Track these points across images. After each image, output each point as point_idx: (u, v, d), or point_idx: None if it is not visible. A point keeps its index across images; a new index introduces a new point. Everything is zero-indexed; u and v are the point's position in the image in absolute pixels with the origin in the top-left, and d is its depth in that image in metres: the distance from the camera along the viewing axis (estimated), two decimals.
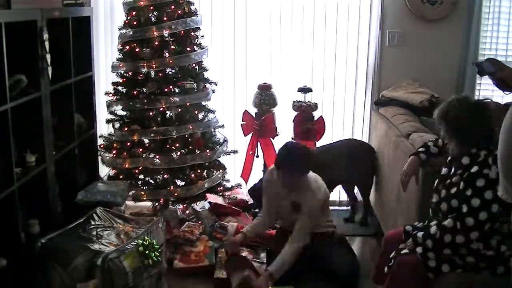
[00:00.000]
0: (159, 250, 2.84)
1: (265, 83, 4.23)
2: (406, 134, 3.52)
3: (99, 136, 3.99)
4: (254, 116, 4.20)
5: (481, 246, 2.44)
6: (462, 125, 2.50)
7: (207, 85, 3.96)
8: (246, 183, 4.40)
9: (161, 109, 3.75)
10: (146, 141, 3.82)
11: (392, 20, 4.41)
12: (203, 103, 3.93)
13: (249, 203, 4.26)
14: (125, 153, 3.80)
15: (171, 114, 3.81)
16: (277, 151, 3.27)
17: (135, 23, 3.72)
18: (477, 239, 2.41)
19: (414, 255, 2.54)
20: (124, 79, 3.82)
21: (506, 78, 2.46)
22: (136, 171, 3.83)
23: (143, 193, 3.81)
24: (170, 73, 3.81)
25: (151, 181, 3.90)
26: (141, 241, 2.74)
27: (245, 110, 4.26)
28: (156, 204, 3.89)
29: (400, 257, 2.60)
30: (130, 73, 3.79)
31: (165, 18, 3.70)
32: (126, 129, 3.78)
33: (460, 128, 2.51)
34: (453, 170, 2.58)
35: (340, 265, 3.15)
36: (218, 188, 4.02)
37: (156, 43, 3.71)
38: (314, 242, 3.19)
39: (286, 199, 3.22)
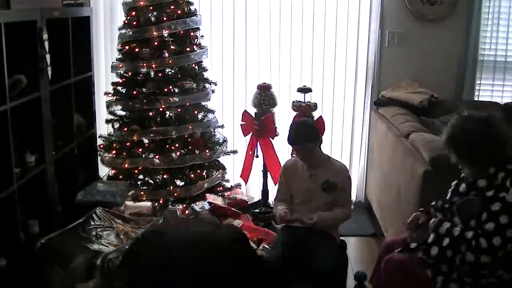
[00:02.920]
0: None
1: (265, 83, 4.23)
2: (405, 134, 3.52)
3: (99, 136, 3.99)
4: (254, 116, 4.20)
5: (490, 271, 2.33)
6: (471, 148, 2.36)
7: (207, 85, 3.96)
8: (245, 183, 4.40)
9: (161, 109, 3.75)
10: (146, 141, 3.82)
11: (392, 20, 4.41)
12: (203, 103, 3.93)
13: (248, 203, 4.27)
14: (124, 153, 3.80)
15: (170, 114, 3.81)
16: (288, 132, 3.32)
17: (134, 23, 3.72)
18: (488, 264, 2.28)
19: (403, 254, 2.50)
20: (124, 79, 3.82)
21: None
22: (136, 171, 3.83)
23: (142, 193, 3.81)
24: (169, 73, 3.81)
25: (150, 181, 3.90)
26: None
27: (245, 110, 4.26)
28: (156, 204, 3.89)
29: (389, 256, 2.56)
30: (129, 73, 3.79)
31: (165, 18, 3.69)
32: (125, 129, 3.78)
33: (470, 151, 2.37)
34: (464, 189, 2.46)
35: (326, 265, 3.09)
36: (218, 188, 4.02)
37: (156, 43, 3.71)
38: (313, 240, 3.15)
39: (314, 181, 3.21)
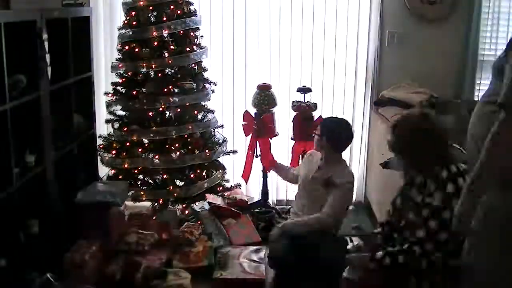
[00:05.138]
0: None
1: (265, 83, 4.24)
2: None
3: (99, 136, 3.99)
4: (254, 116, 4.20)
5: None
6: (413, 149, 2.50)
7: (207, 85, 3.96)
8: (246, 183, 4.40)
9: (161, 109, 3.75)
10: (146, 141, 3.82)
11: (392, 20, 4.41)
12: (203, 103, 3.93)
13: (248, 203, 4.27)
14: (124, 153, 3.80)
15: (170, 114, 3.81)
16: (326, 125, 3.56)
17: (134, 23, 3.72)
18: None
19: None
20: (124, 79, 3.82)
21: None
22: (136, 171, 3.83)
23: (142, 193, 3.81)
24: (169, 73, 3.81)
25: (150, 181, 3.90)
26: None
27: (246, 110, 4.26)
28: (156, 204, 3.89)
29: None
30: (129, 73, 3.79)
31: (165, 18, 3.70)
32: (125, 129, 3.78)
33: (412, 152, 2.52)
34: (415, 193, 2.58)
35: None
36: (218, 188, 4.02)
37: (156, 43, 3.71)
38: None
39: (320, 174, 3.47)
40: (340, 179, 3.38)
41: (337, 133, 3.50)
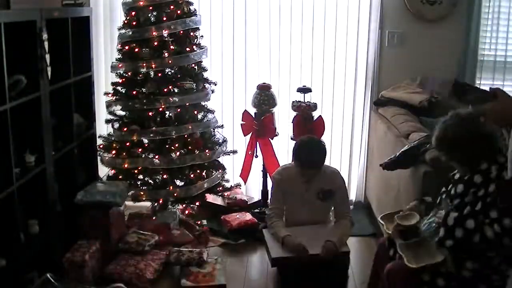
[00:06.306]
0: None
1: (265, 83, 4.23)
2: (405, 134, 3.52)
3: (99, 136, 3.99)
4: (254, 116, 4.20)
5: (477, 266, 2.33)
6: (459, 148, 2.38)
7: (207, 85, 3.96)
8: (245, 183, 4.40)
9: (160, 109, 3.75)
10: (145, 141, 3.82)
11: (392, 20, 4.40)
12: (203, 103, 3.93)
13: (248, 203, 4.27)
14: (124, 153, 3.80)
15: (170, 114, 3.82)
16: (296, 150, 3.32)
17: (134, 23, 3.72)
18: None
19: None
20: (124, 79, 3.82)
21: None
22: (136, 171, 3.83)
23: (142, 193, 3.81)
24: (169, 73, 3.81)
25: (150, 181, 3.90)
26: None
27: (245, 110, 4.26)
28: (156, 204, 3.90)
29: (390, 265, 2.51)
30: (129, 73, 3.79)
31: (164, 18, 3.70)
32: (125, 129, 3.78)
33: (459, 151, 2.39)
34: (462, 189, 2.42)
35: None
36: (218, 188, 4.02)
37: (156, 43, 3.71)
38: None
39: (309, 190, 3.29)
40: (334, 185, 3.33)
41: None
